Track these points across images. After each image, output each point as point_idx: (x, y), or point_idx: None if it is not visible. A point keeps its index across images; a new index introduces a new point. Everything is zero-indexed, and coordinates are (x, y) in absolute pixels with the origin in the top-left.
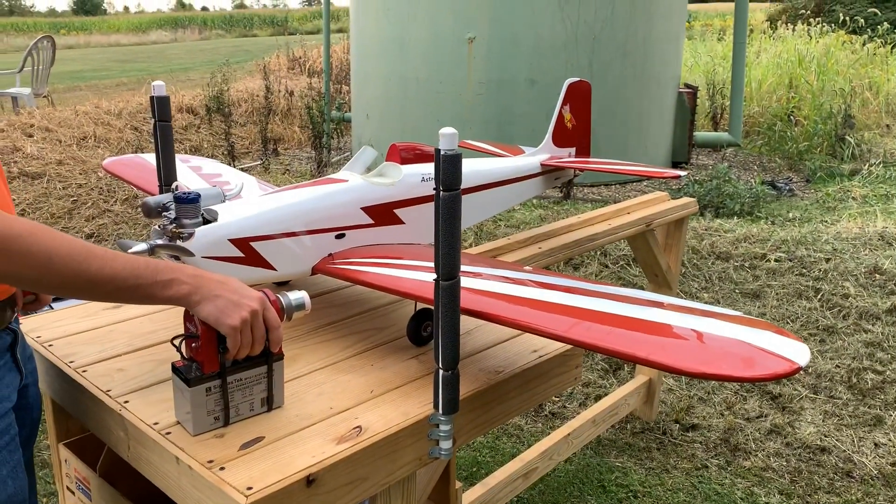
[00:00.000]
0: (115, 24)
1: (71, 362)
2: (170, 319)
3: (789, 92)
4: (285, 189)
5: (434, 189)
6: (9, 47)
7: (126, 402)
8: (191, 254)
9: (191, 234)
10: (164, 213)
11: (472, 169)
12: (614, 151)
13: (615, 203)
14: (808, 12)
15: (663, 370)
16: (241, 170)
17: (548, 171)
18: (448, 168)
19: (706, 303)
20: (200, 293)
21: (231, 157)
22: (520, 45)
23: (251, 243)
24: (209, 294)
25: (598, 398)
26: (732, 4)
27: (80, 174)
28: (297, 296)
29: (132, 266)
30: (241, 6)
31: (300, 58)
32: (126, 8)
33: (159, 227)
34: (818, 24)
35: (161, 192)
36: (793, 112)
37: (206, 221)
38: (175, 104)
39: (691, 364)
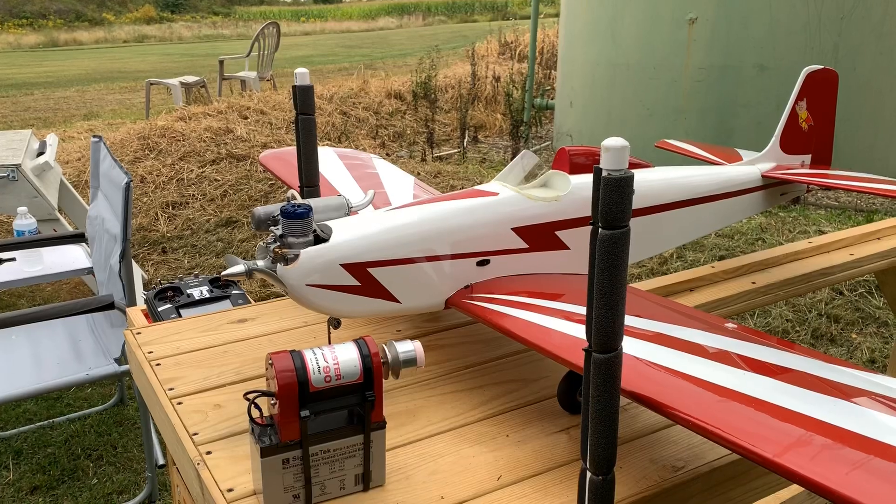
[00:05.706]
0: (349, 11)
1: (170, 389)
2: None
3: None
4: (420, 202)
5: (591, 224)
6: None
7: (208, 452)
8: (284, 287)
9: (296, 256)
10: (272, 228)
11: (664, 178)
12: (858, 155)
13: (856, 211)
14: None
15: None
16: (438, 157)
17: (771, 184)
18: (612, 197)
19: None
20: None
21: (430, 145)
22: (749, 25)
23: (369, 269)
24: None
25: None
26: None
27: None
28: (406, 348)
29: None
30: None
31: (511, 42)
32: None
33: (264, 243)
34: None
35: (302, 191)
36: None
37: (318, 240)
38: (384, 90)
39: None
